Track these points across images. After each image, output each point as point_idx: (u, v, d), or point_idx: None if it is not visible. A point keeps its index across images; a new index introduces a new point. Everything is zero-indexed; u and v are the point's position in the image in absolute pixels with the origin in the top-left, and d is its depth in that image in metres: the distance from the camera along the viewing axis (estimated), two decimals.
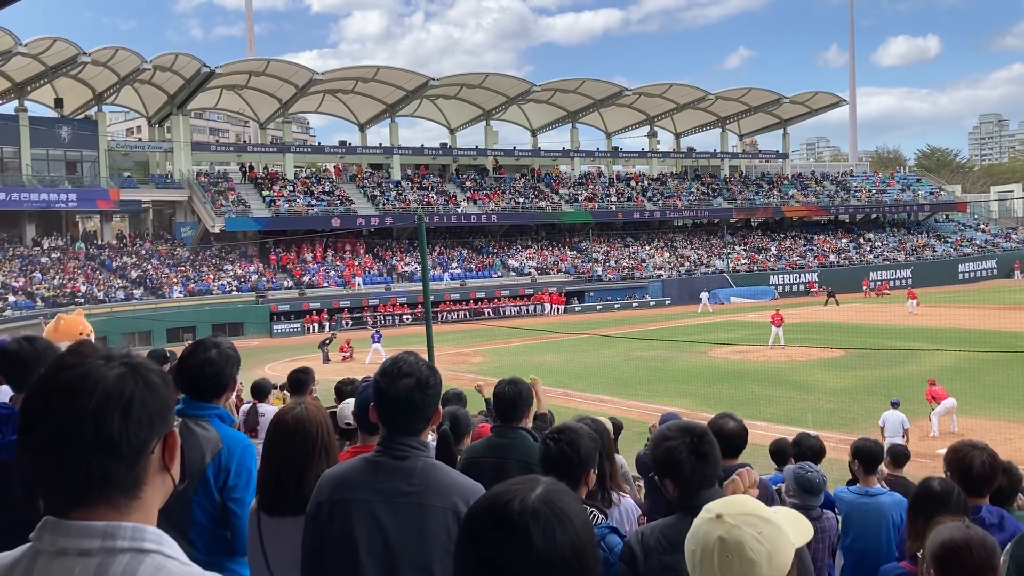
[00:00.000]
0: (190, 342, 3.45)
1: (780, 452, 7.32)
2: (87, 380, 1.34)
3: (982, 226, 72.77)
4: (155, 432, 1.38)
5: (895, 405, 14.94)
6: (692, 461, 2.74)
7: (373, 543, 2.54)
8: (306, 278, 49.00)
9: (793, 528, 1.76)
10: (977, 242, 68.74)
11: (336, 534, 2.59)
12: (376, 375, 2.72)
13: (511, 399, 4.17)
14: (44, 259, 44.99)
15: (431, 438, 3.77)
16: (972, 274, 62.12)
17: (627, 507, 3.79)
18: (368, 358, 31.68)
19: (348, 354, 33.40)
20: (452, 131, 65.55)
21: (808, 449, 6.86)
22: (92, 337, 6.77)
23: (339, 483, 2.65)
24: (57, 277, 43.07)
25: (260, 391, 8.40)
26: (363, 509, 2.57)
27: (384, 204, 54.94)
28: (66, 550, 1.31)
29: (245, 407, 8.12)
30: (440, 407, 2.81)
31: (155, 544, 1.35)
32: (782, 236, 65.94)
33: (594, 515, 3.05)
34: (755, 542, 1.65)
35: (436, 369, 2.75)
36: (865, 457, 5.74)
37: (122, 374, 1.37)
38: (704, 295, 50.52)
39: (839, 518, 5.52)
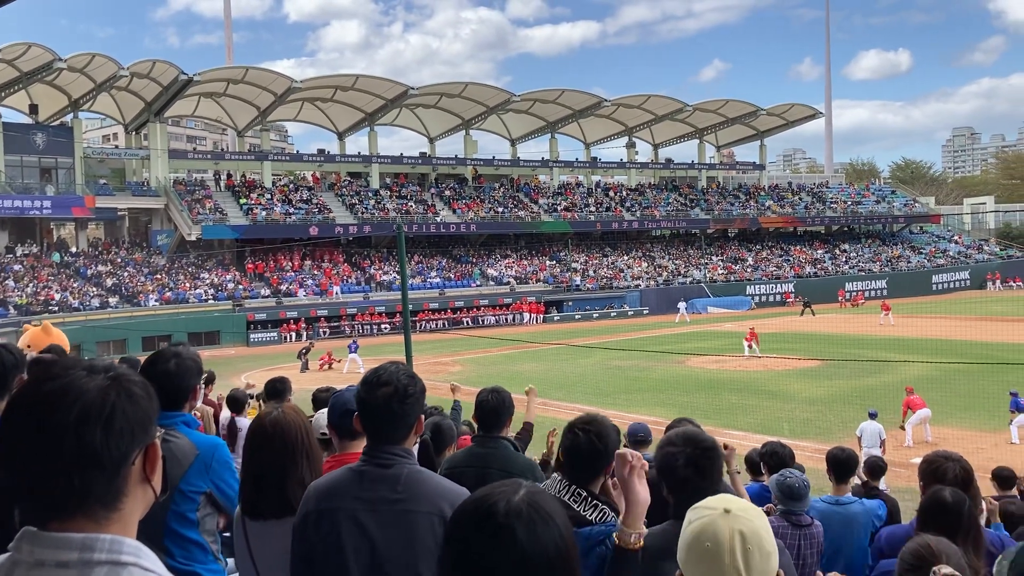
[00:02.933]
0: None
1: (750, 461, 7.43)
2: (69, 392, 1.34)
3: (955, 238, 73.69)
4: (136, 444, 1.38)
5: (872, 416, 15.10)
6: (687, 472, 2.68)
7: (360, 551, 2.56)
8: (283, 287, 48.72)
9: None
10: (951, 253, 69.60)
11: (324, 543, 2.61)
12: (358, 384, 2.75)
13: (494, 407, 4.08)
14: (17, 267, 44.39)
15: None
16: (946, 285, 62.84)
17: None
18: (345, 367, 31.62)
19: (326, 361, 33.31)
20: (431, 140, 65.52)
21: (767, 455, 6.63)
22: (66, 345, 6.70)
23: (325, 493, 2.67)
24: (31, 285, 42.52)
25: (235, 403, 8.33)
26: (349, 518, 2.59)
27: (363, 213, 54.77)
28: (43, 562, 1.31)
29: (224, 419, 8.05)
30: (423, 416, 2.81)
31: (132, 556, 1.34)
32: (759, 247, 66.45)
33: (604, 512, 2.99)
34: (768, 534, 1.70)
35: (417, 378, 2.75)
36: (837, 466, 5.78)
37: (104, 386, 1.36)
38: (682, 305, 50.77)
39: None
